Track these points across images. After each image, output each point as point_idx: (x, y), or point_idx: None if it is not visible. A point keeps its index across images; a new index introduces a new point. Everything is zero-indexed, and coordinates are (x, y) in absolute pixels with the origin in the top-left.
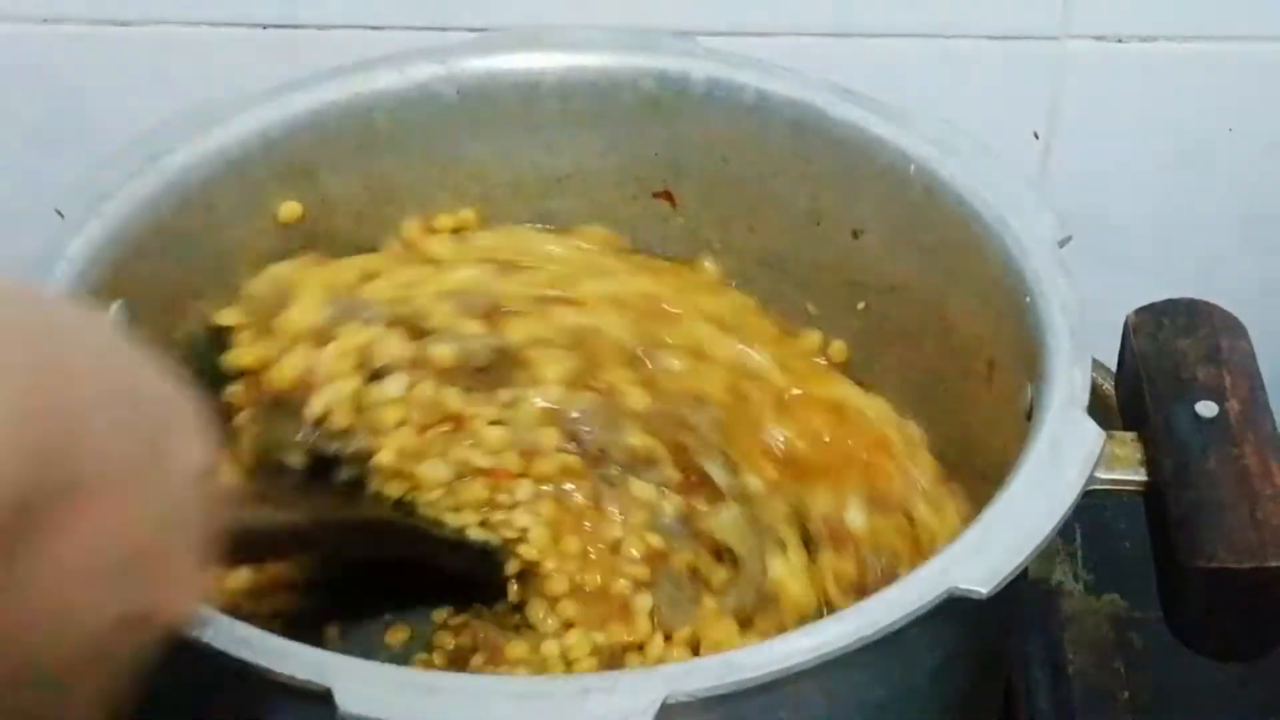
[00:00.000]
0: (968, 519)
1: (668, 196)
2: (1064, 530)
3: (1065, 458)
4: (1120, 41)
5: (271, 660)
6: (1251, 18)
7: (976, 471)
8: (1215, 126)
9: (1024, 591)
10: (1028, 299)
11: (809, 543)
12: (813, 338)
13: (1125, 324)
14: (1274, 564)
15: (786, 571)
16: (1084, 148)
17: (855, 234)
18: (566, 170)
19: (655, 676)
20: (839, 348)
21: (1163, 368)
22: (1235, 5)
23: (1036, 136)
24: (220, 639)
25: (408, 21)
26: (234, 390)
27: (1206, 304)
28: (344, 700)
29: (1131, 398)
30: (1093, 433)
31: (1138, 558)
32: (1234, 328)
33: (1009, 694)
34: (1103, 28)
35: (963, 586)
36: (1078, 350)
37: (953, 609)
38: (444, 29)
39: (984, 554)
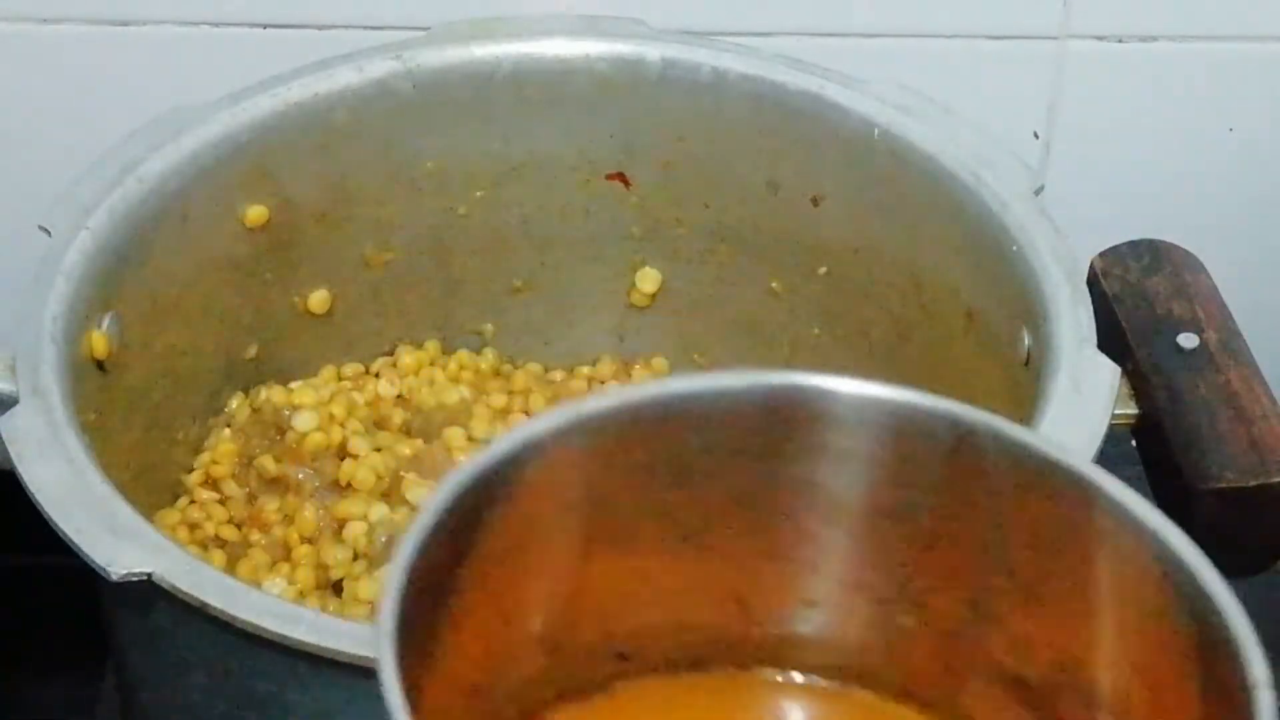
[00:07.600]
0: None
1: (621, 178)
2: None
3: (1088, 393)
4: (1120, 41)
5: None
6: (1251, 18)
7: None
8: (1215, 126)
9: None
10: (1014, 248)
11: None
12: None
13: (1091, 267)
14: (1277, 480)
15: None
16: (1084, 148)
17: (815, 201)
18: (520, 159)
19: None
20: None
21: (1137, 306)
22: (1235, 5)
23: (1036, 136)
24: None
25: (407, 20)
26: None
27: (1165, 243)
28: None
29: (1109, 337)
30: (1109, 367)
31: None
32: (1194, 264)
33: None
34: (1103, 28)
35: None
36: (1077, 291)
37: None
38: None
39: None
